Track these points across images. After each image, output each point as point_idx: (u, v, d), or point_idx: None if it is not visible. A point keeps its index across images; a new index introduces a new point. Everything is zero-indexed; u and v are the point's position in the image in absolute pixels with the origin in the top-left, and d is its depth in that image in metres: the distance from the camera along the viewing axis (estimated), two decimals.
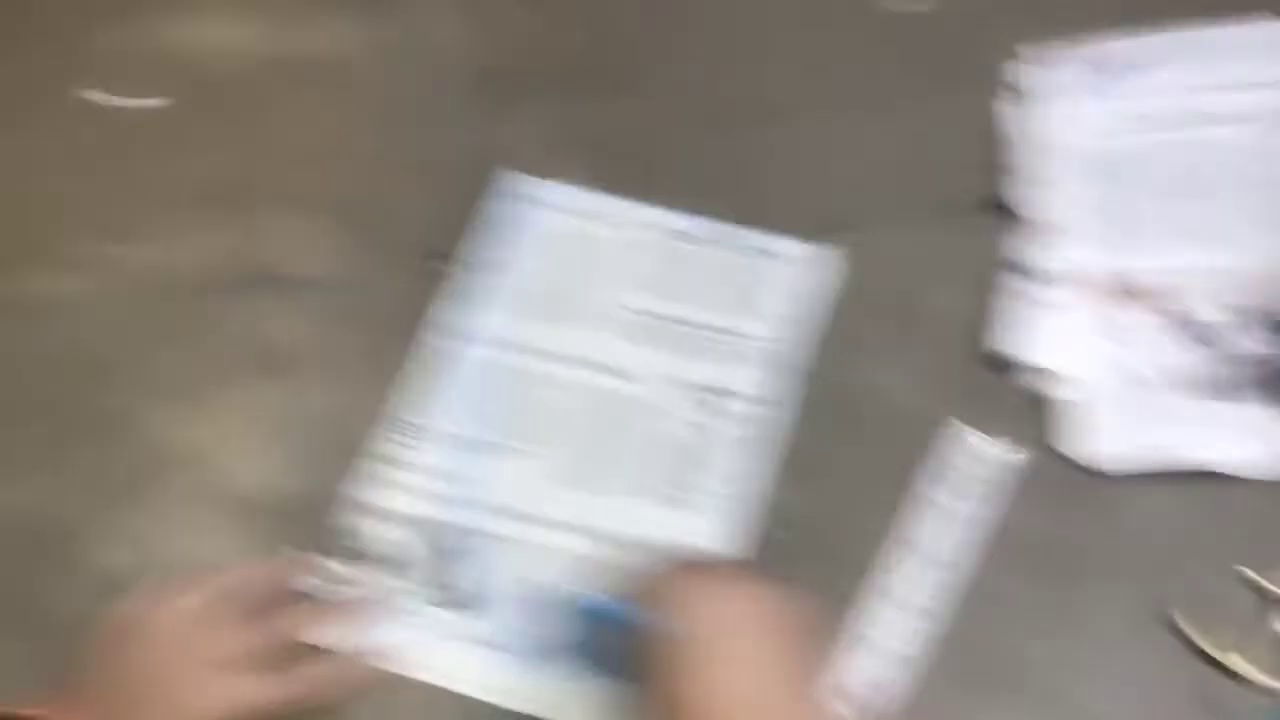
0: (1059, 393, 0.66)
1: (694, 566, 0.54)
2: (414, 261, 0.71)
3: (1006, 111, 0.74)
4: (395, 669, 0.59)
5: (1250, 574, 0.61)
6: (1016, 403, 0.66)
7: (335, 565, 0.61)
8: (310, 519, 0.63)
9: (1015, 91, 0.75)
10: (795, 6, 0.80)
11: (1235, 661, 0.59)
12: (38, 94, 0.76)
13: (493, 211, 0.72)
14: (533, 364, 0.67)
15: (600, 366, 0.67)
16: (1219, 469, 0.63)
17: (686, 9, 0.80)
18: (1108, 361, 0.66)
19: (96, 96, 0.76)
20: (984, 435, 0.65)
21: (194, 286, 0.70)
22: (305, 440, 0.65)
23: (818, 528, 0.63)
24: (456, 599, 0.61)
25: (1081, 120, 0.74)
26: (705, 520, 0.63)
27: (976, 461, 0.64)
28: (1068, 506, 0.63)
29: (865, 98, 0.76)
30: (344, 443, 0.65)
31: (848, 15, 0.79)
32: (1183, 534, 0.62)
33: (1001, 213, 0.71)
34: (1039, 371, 0.66)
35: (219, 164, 0.74)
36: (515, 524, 0.63)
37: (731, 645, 0.50)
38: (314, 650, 0.58)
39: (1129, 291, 0.68)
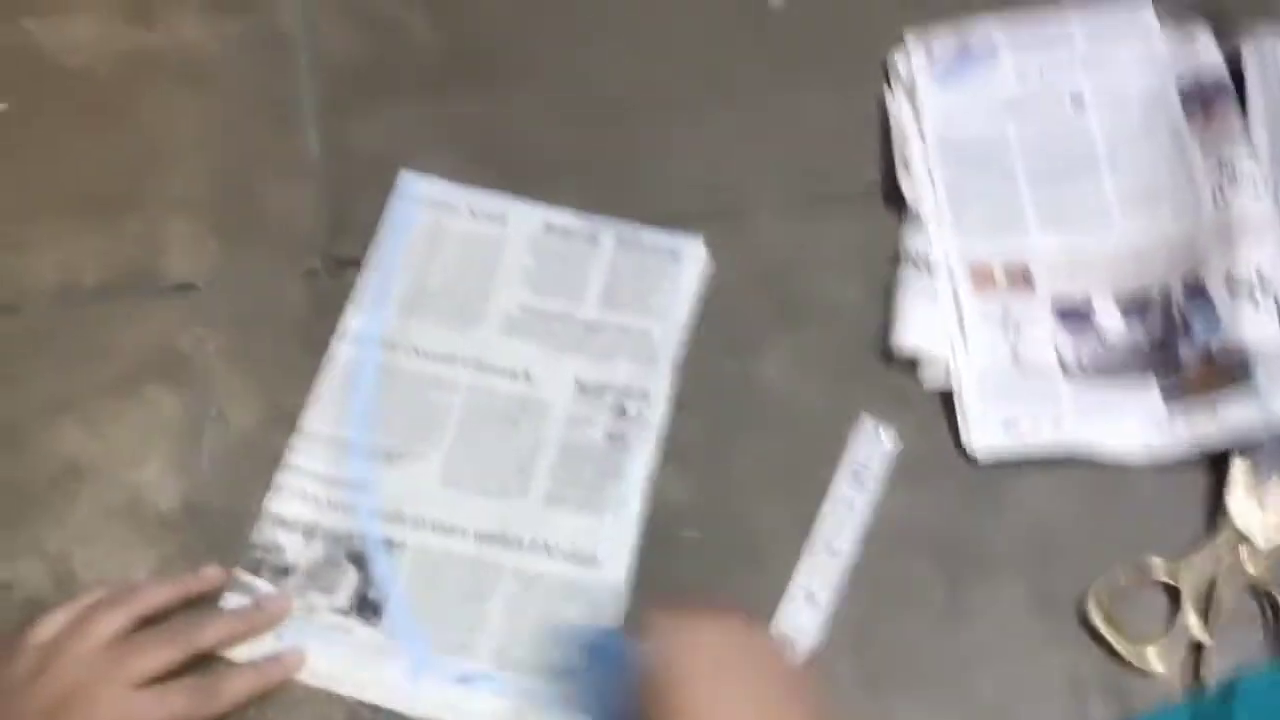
0: (943, 380, 0.68)
1: (683, 606, 0.54)
2: (298, 260, 0.70)
3: (886, 100, 0.75)
4: (302, 677, 0.59)
5: (1157, 563, 0.63)
6: (906, 391, 0.68)
7: (246, 577, 0.61)
8: (219, 529, 0.63)
9: (893, 80, 0.76)
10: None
11: (1148, 656, 0.61)
12: None
13: (375, 208, 0.70)
14: (427, 366, 0.67)
15: (496, 368, 0.67)
16: (1103, 454, 0.65)
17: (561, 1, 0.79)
18: (987, 347, 0.68)
19: None
20: (876, 423, 0.66)
21: (83, 295, 0.68)
22: (210, 450, 0.65)
23: (723, 525, 0.64)
24: (358, 607, 0.61)
25: (952, 107, 0.75)
26: (605, 522, 0.63)
27: (869, 450, 0.66)
28: (962, 496, 0.65)
29: (746, 89, 0.76)
30: (248, 451, 0.64)
31: (728, 6, 0.79)
32: (1079, 523, 0.64)
33: (886, 201, 0.72)
34: (923, 358, 0.68)
35: (87, 169, 0.71)
36: (412, 530, 0.63)
37: (727, 680, 0.51)
38: (228, 662, 0.59)
39: (1006, 276, 0.70)
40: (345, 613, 0.61)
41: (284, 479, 0.63)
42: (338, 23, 0.77)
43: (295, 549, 0.62)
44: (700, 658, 0.51)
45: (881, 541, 0.64)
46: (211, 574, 0.61)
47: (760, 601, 0.62)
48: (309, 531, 0.63)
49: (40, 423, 0.64)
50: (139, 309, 0.68)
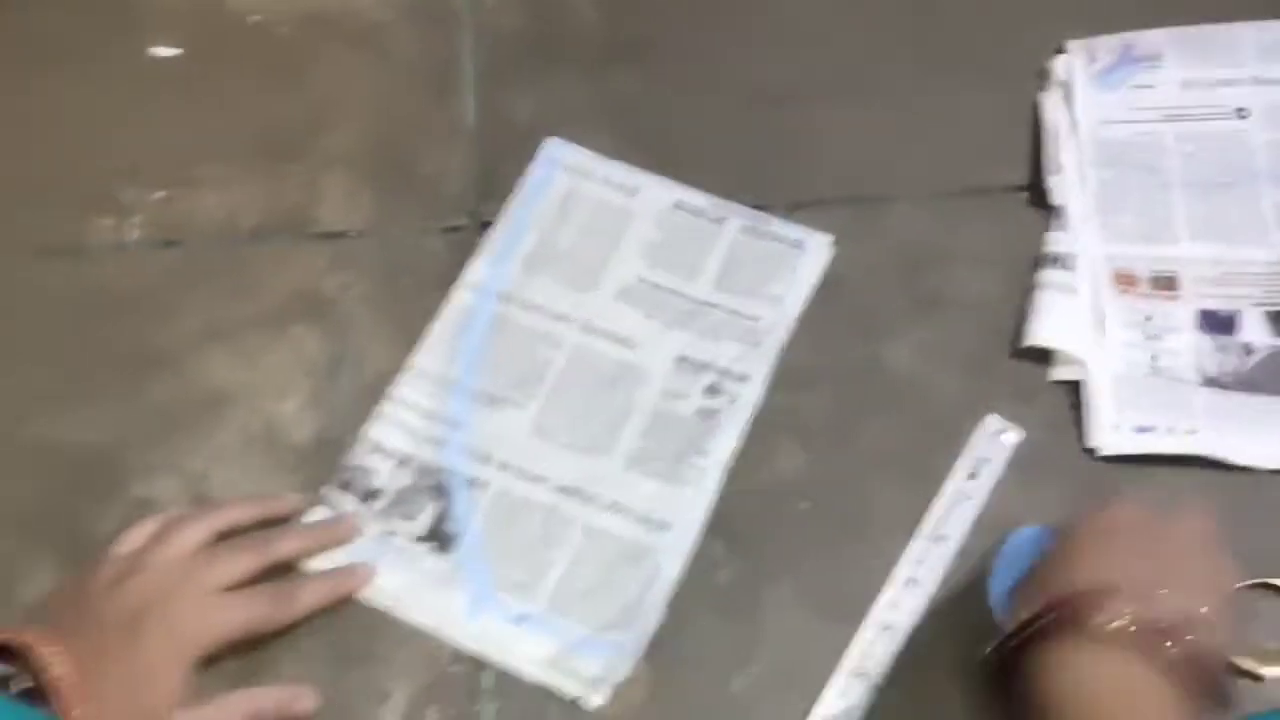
0: (1078, 377, 0.66)
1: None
2: (444, 218, 0.72)
3: (1040, 100, 0.75)
4: (369, 595, 0.61)
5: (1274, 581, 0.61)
6: (1035, 386, 0.67)
7: (335, 494, 0.64)
8: (331, 454, 0.65)
9: (1051, 82, 0.75)
10: None
11: (1268, 673, 0.59)
12: (86, 45, 0.77)
13: (521, 173, 0.73)
14: (538, 321, 0.68)
15: (602, 331, 0.68)
16: (1233, 460, 0.63)
17: None
18: (1125, 351, 0.67)
19: (142, 48, 0.77)
20: (1002, 418, 0.66)
21: (241, 235, 0.71)
22: (345, 389, 0.67)
23: (836, 500, 0.64)
24: (433, 536, 0.63)
25: (1109, 110, 0.74)
26: (681, 494, 0.64)
27: (990, 447, 0.65)
28: (1084, 494, 0.64)
29: (899, 83, 0.76)
30: (371, 386, 0.67)
31: (886, 3, 0.79)
32: None
33: (1031, 202, 0.72)
34: (1057, 356, 0.67)
35: (262, 118, 0.74)
36: (497, 472, 0.64)
37: (1127, 546, 0.53)
38: (302, 573, 0.61)
39: (1152, 282, 0.69)
40: (420, 540, 0.63)
41: (386, 408, 0.66)
42: None
43: (385, 474, 0.64)
44: (1119, 522, 0.54)
45: (998, 533, 0.62)
46: (292, 499, 0.63)
47: (865, 580, 0.62)
48: (402, 460, 0.64)
49: (193, 350, 0.68)
50: (291, 252, 0.71)
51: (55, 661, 0.51)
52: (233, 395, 0.67)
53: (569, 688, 0.59)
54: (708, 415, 0.66)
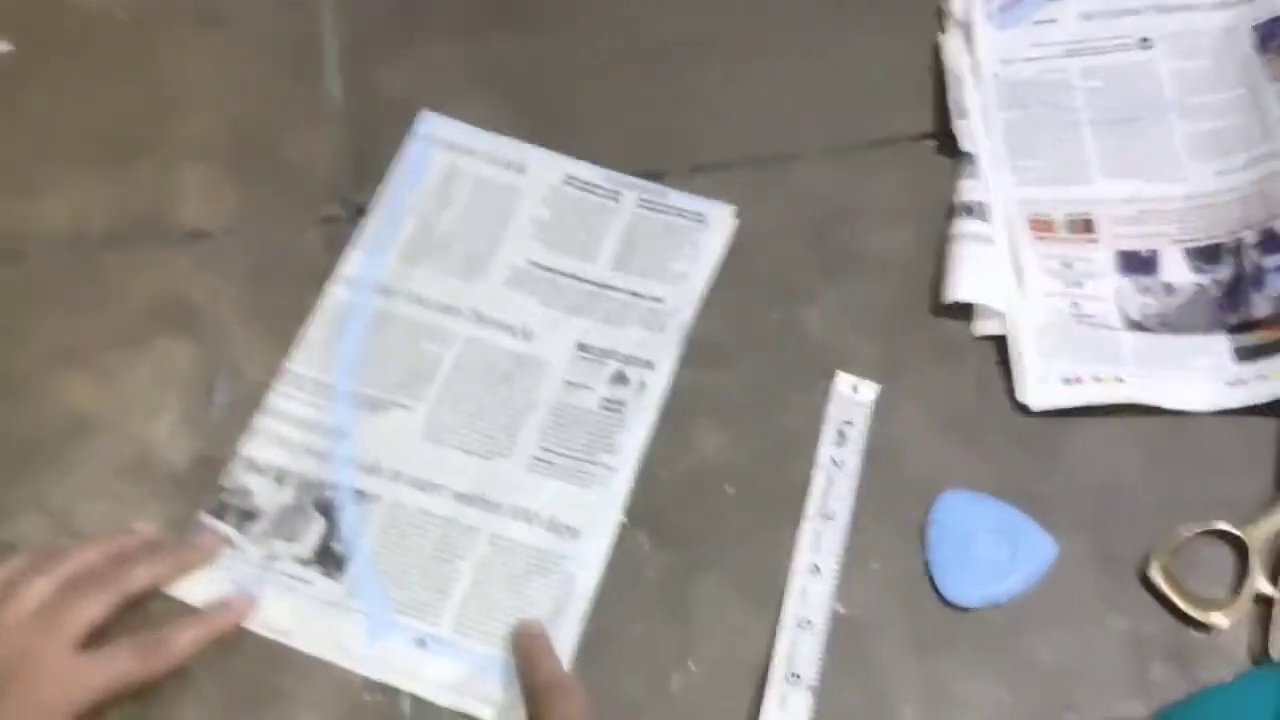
0: (997, 330, 0.64)
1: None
2: (317, 208, 0.67)
3: (940, 43, 0.72)
4: (256, 628, 0.57)
5: (1228, 527, 0.59)
6: (958, 342, 0.64)
7: (209, 520, 0.59)
8: (212, 477, 0.60)
9: (948, 22, 0.73)
10: None
11: (1214, 618, 0.57)
12: None
13: (396, 153, 0.68)
14: (424, 315, 0.64)
15: (495, 322, 0.64)
16: (1164, 405, 0.61)
17: None
18: (1046, 300, 0.65)
19: None
20: (853, 380, 0.63)
21: (92, 242, 0.66)
22: (212, 398, 0.62)
23: (761, 481, 0.61)
24: (320, 558, 0.59)
25: (1010, 49, 0.72)
26: (590, 495, 0.60)
27: (848, 408, 0.62)
28: (1018, 450, 0.62)
29: (793, 34, 0.73)
30: (249, 399, 0.62)
31: None
32: (1142, 477, 0.61)
33: (940, 150, 0.69)
34: (977, 310, 0.64)
35: (106, 112, 0.69)
36: (388, 484, 0.60)
37: None
38: (171, 618, 0.56)
39: (1068, 226, 0.67)
40: (307, 563, 0.58)
41: (261, 422, 0.61)
42: None
43: (264, 494, 0.59)
44: None
45: (931, 499, 0.60)
46: (143, 528, 0.58)
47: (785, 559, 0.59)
48: (280, 477, 0.60)
49: (46, 374, 0.62)
50: (150, 258, 0.65)
51: None
52: (96, 421, 0.61)
53: (483, 713, 0.55)
54: (614, 407, 0.62)
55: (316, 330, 0.63)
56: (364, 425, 0.61)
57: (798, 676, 0.56)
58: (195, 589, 0.57)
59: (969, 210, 0.66)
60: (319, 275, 0.65)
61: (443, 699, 0.56)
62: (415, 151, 0.68)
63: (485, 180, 0.68)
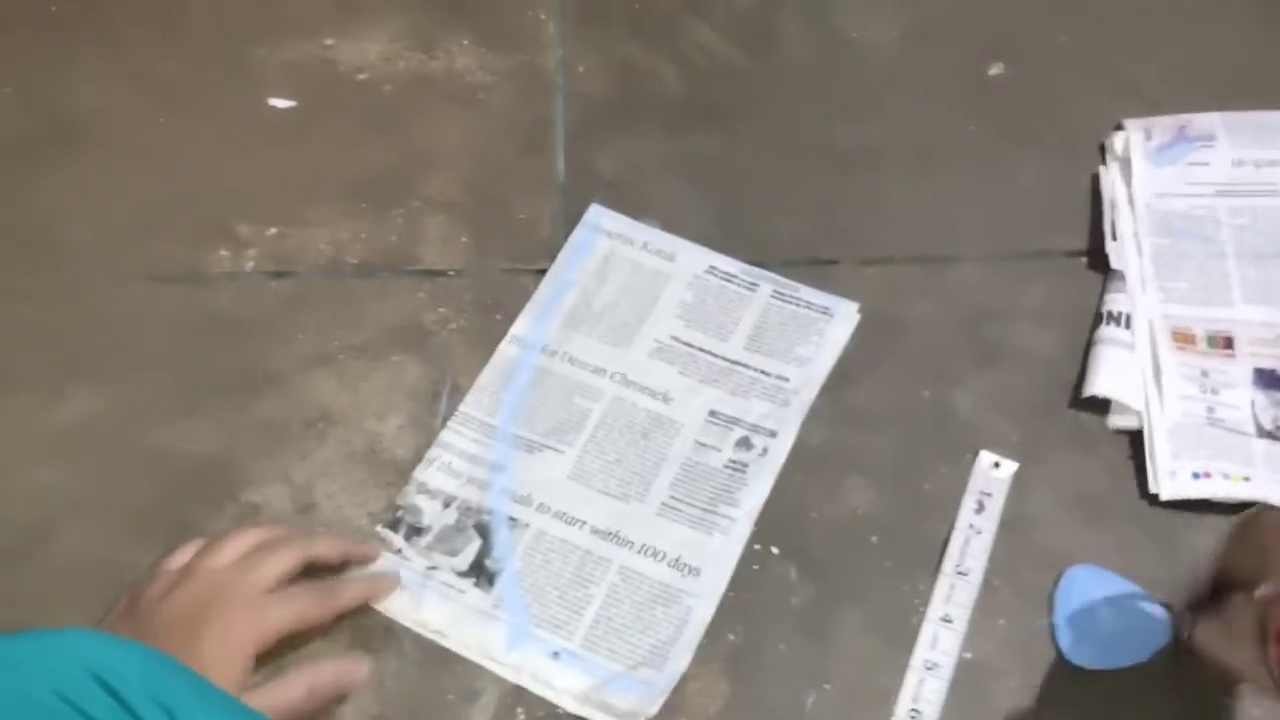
0: (1134, 425, 0.70)
1: None
2: (535, 261, 0.77)
3: (1099, 173, 0.79)
4: (415, 627, 0.64)
5: None
6: (1097, 435, 0.71)
7: (384, 531, 0.67)
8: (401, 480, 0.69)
9: (1108, 155, 0.80)
10: (901, 65, 0.86)
11: None
12: (212, 93, 0.83)
13: (576, 234, 0.78)
14: (577, 374, 0.72)
15: (639, 385, 0.72)
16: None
17: (796, 59, 0.86)
18: (1182, 401, 0.70)
19: (262, 98, 0.83)
20: (993, 457, 0.69)
21: (348, 269, 0.76)
22: (442, 413, 0.71)
23: (901, 537, 0.68)
24: (475, 572, 0.66)
25: (1164, 185, 0.78)
26: (712, 541, 0.67)
27: (987, 481, 0.68)
28: (1143, 536, 0.67)
29: (962, 150, 0.82)
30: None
31: (950, 72, 0.85)
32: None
33: (1089, 267, 0.76)
34: (1115, 405, 0.70)
35: (368, 165, 0.80)
36: (536, 514, 0.68)
37: None
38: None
39: (1208, 341, 0.73)
40: (463, 575, 0.65)
41: (434, 453, 0.69)
42: (594, 66, 0.85)
43: (432, 513, 0.67)
44: None
45: (1058, 570, 0.66)
46: (371, 548, 0.66)
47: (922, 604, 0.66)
48: (447, 500, 0.68)
49: (302, 372, 0.72)
50: (394, 286, 0.76)
51: None
52: (337, 415, 0.71)
53: None
54: (738, 467, 0.69)
55: (487, 378, 0.72)
56: (520, 463, 0.69)
57: (919, 713, 0.62)
58: (365, 571, 0.66)
59: (1114, 318, 0.73)
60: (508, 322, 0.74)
61: (570, 705, 0.62)
62: (582, 236, 0.77)
63: (639, 264, 0.76)
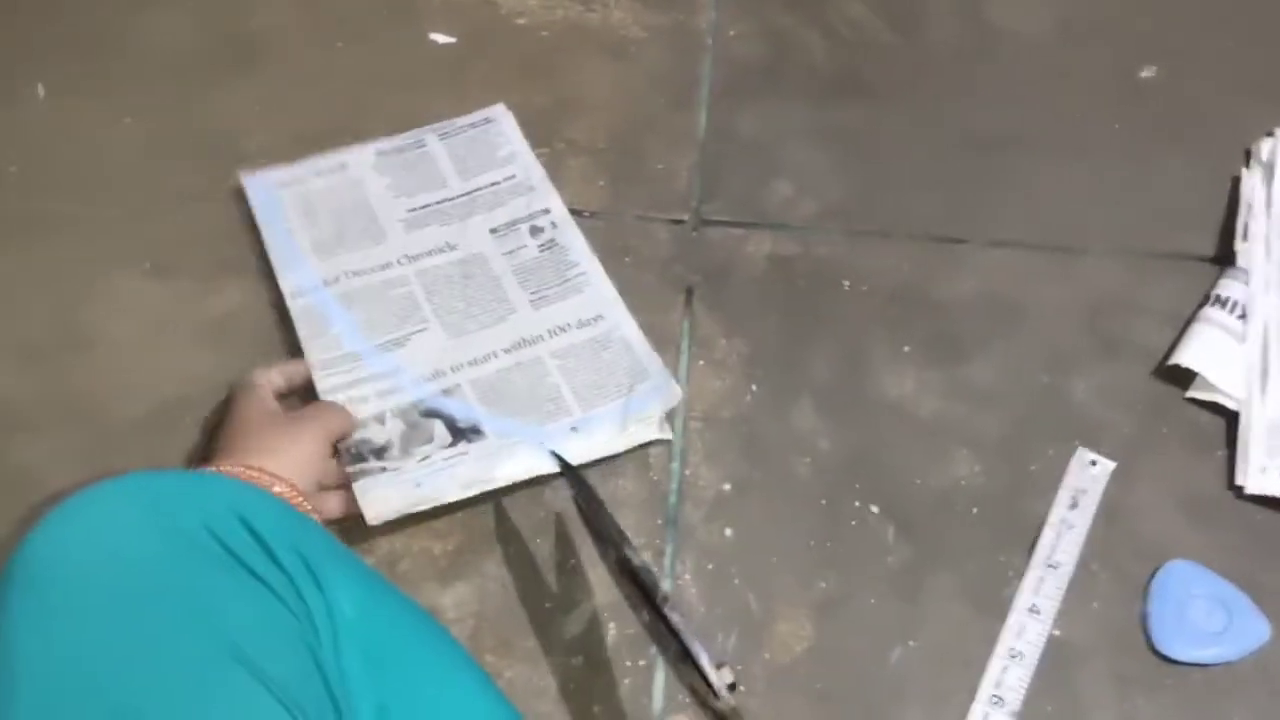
0: (1212, 398, 0.71)
1: None
2: (669, 210, 0.80)
3: (1240, 176, 0.79)
4: (454, 496, 0.67)
5: None
6: (1208, 433, 0.71)
7: (356, 466, 0.67)
8: None
9: (1252, 160, 0.80)
10: (1050, 59, 0.87)
11: None
12: (377, 26, 0.88)
13: (254, 199, 0.77)
14: (371, 279, 0.75)
15: (423, 253, 0.76)
16: None
17: (943, 41, 0.88)
18: None
19: (424, 33, 0.87)
20: (1091, 454, 0.70)
21: None
22: None
23: (1002, 513, 0.69)
24: (460, 437, 0.69)
25: None
26: (586, 294, 0.74)
27: (1083, 477, 0.69)
28: (1246, 538, 0.68)
29: (1102, 146, 0.82)
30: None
31: (1101, 69, 0.85)
32: None
33: (1220, 271, 0.76)
34: (1199, 379, 0.71)
35: (519, 103, 0.83)
36: (455, 375, 0.71)
37: None
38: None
39: None
40: (453, 444, 0.68)
41: (337, 398, 0.69)
42: (745, 31, 0.88)
43: (379, 432, 0.69)
44: None
45: (1156, 563, 0.67)
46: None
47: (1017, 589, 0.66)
48: (379, 418, 0.69)
49: None
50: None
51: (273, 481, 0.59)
52: None
53: (647, 434, 0.70)
54: (548, 245, 0.76)
55: (307, 334, 0.72)
56: (402, 357, 0.72)
57: (1000, 699, 0.63)
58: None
59: (1222, 302, 0.73)
60: (663, 263, 0.77)
61: (618, 446, 0.70)
62: (260, 198, 0.77)
63: (325, 188, 0.78)
